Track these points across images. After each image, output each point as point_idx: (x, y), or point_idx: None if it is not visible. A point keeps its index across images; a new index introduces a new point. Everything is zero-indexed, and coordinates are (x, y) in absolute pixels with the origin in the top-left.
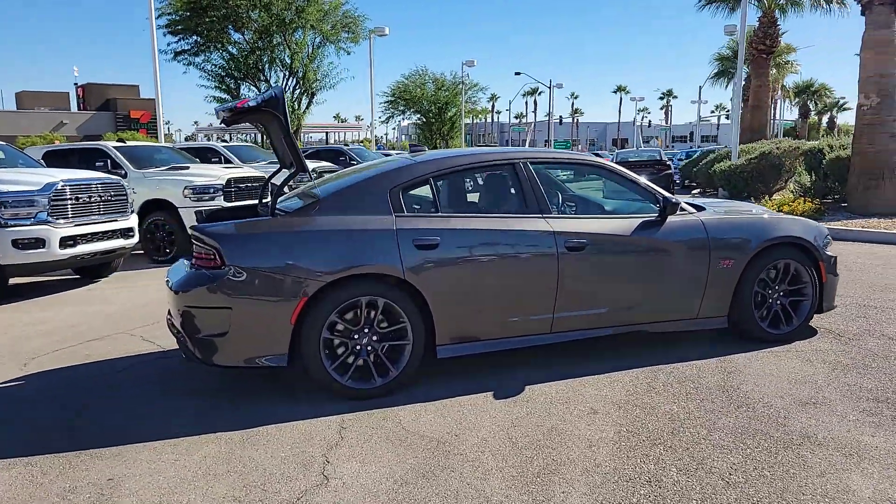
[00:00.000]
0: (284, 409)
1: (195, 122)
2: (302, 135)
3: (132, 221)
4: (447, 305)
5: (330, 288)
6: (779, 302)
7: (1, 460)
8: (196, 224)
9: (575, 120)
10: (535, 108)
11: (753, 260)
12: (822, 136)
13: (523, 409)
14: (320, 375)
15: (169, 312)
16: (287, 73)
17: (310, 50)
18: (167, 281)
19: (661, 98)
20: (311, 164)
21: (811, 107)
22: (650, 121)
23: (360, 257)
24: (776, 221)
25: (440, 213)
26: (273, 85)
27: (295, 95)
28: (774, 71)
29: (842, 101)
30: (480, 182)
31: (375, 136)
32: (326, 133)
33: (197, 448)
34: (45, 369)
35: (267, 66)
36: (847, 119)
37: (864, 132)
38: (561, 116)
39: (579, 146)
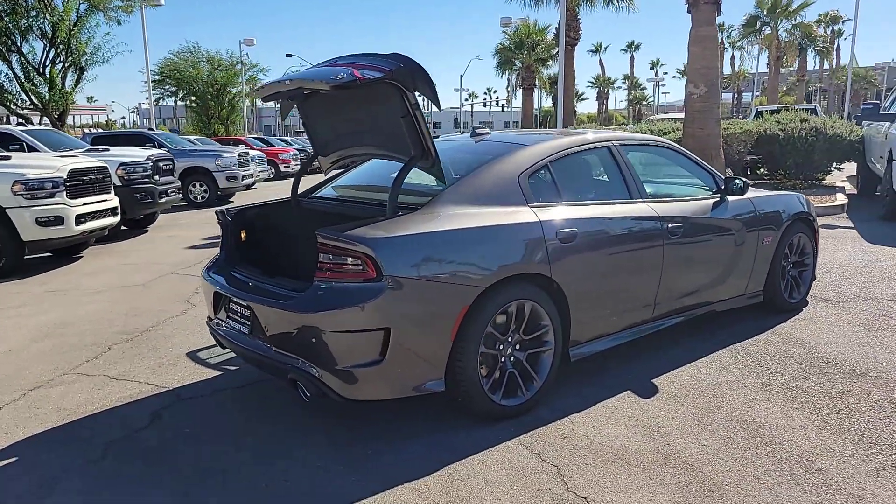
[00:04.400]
0: (442, 437)
1: None
2: (71, 117)
3: (116, 200)
4: (582, 302)
5: (487, 294)
6: (790, 273)
7: None
8: (327, 229)
9: None
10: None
11: (783, 235)
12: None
13: (683, 404)
14: (476, 396)
15: (224, 328)
16: (48, 44)
17: (76, 18)
18: (236, 299)
19: None
20: (126, 150)
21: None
22: None
23: (513, 255)
24: (793, 197)
25: (566, 202)
26: (368, 54)
27: (58, 70)
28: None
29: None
30: (586, 166)
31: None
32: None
33: None
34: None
35: (18, 35)
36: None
37: (696, 118)
38: None
39: None
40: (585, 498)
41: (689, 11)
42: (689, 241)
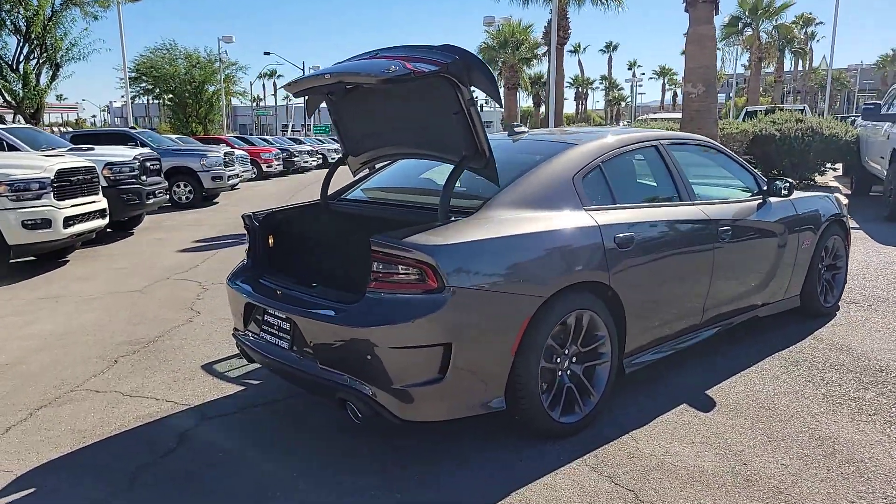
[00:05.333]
0: (498, 459)
1: None
2: (46, 116)
3: (105, 202)
4: (638, 310)
5: (548, 304)
6: (825, 276)
7: None
8: (382, 236)
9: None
10: (276, 91)
11: (821, 237)
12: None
13: (746, 418)
14: (536, 413)
15: (253, 339)
16: (21, 40)
17: (50, 13)
18: (273, 311)
19: None
20: (112, 150)
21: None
22: None
23: (575, 262)
24: (828, 198)
25: (620, 204)
26: (417, 46)
27: (33, 67)
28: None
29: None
30: (636, 167)
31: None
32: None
33: None
34: None
35: None
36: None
37: (694, 117)
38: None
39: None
40: None
41: (686, 10)
42: (737, 244)
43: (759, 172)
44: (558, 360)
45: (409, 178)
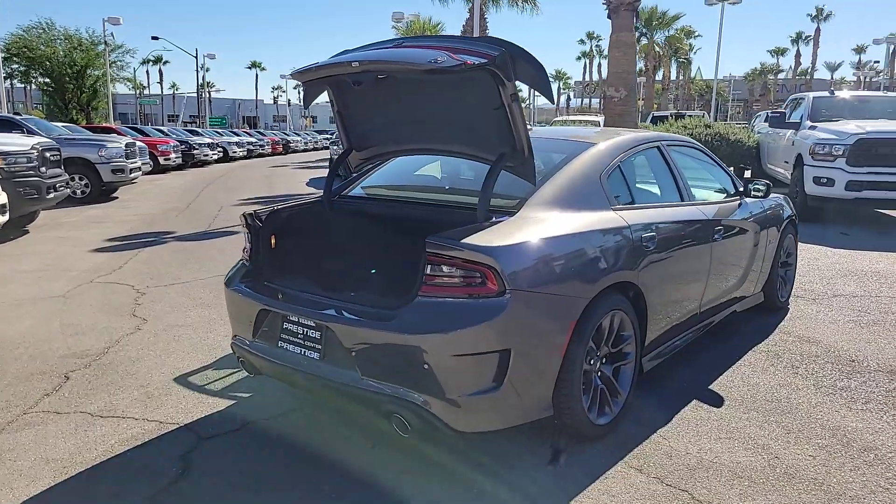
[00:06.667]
0: (537, 466)
1: None
2: None
3: (5, 196)
4: (656, 309)
5: (591, 306)
6: (779, 272)
7: None
8: (438, 236)
9: (208, 94)
10: (161, 80)
11: (781, 234)
12: None
13: (757, 412)
14: (580, 417)
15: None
16: None
17: None
18: (298, 318)
19: None
20: (5, 137)
21: None
22: (289, 99)
23: (613, 262)
24: (783, 198)
25: (638, 204)
26: (457, 37)
27: None
28: None
29: None
30: (643, 167)
31: None
32: None
33: None
34: None
35: None
36: None
37: (616, 121)
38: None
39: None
40: None
41: (609, 17)
42: (727, 241)
43: (731, 173)
44: (592, 361)
45: (408, 175)
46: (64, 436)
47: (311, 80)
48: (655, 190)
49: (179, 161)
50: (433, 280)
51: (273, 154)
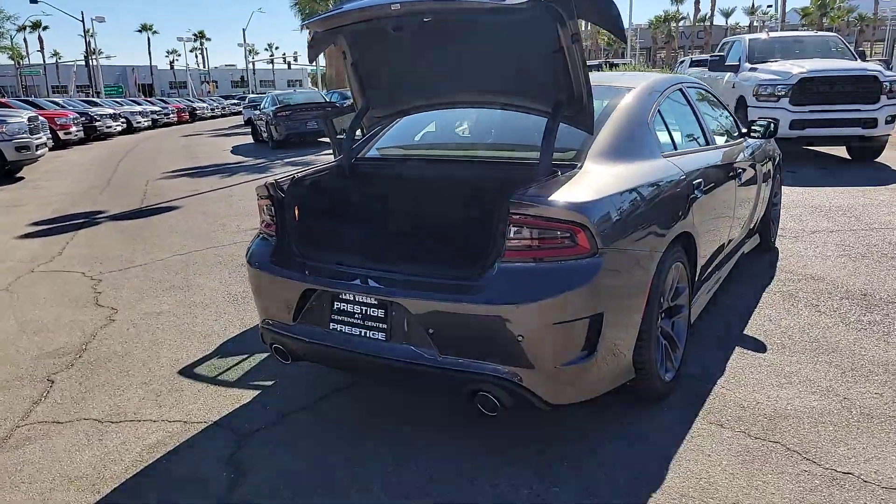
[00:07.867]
0: (620, 429)
1: None
2: None
3: None
4: (703, 257)
5: (663, 260)
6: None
7: None
8: (521, 194)
9: (96, 61)
10: (42, 48)
11: (773, 174)
12: None
13: (803, 354)
14: (654, 376)
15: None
16: None
17: None
18: (356, 295)
19: (195, 39)
20: None
21: None
22: (187, 63)
23: (677, 213)
24: (772, 140)
25: (680, 150)
26: None
27: None
28: None
29: None
30: (674, 110)
31: None
32: None
33: None
34: None
35: None
36: None
37: None
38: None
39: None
40: (851, 473)
41: None
42: (744, 182)
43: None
44: (662, 317)
45: (416, 134)
46: (77, 448)
47: (336, 26)
48: (687, 133)
49: (81, 135)
50: (516, 243)
51: (179, 123)
